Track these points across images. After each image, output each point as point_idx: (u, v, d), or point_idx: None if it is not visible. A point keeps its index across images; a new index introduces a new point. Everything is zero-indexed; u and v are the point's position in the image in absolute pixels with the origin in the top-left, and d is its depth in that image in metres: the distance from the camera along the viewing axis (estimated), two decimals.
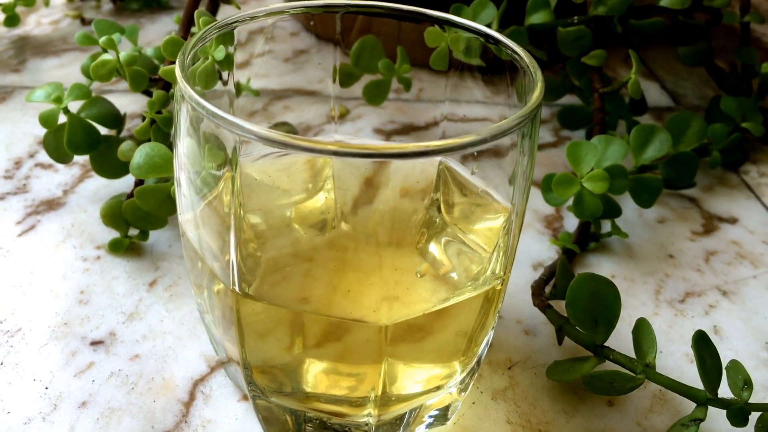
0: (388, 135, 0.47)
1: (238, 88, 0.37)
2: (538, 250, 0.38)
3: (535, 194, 0.41)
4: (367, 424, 0.27)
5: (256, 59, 0.38)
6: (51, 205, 0.39)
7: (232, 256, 0.25)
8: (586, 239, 0.38)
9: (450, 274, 0.30)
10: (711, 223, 0.41)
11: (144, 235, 0.36)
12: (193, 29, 0.39)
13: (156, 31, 0.59)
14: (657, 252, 0.39)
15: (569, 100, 0.49)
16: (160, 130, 0.34)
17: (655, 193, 0.38)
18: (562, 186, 0.34)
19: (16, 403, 0.29)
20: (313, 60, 0.56)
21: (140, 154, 0.32)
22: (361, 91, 0.42)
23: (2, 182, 0.41)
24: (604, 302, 0.29)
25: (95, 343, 0.31)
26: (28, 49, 0.55)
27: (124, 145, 0.35)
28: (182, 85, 0.24)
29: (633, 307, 0.35)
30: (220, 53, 0.29)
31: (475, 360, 0.28)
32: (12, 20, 0.54)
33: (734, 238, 0.40)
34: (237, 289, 0.25)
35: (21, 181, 0.41)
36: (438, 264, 0.30)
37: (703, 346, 0.27)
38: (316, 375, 0.26)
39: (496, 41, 0.28)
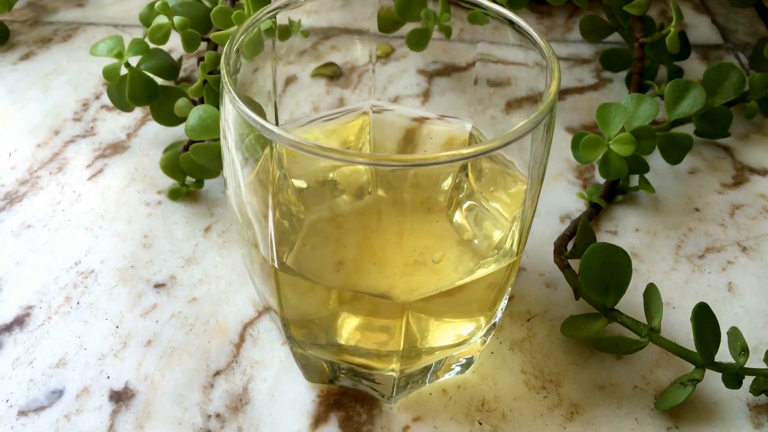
0: (430, 76, 0.48)
1: (288, 30, 0.39)
2: (567, 202, 0.40)
3: (569, 146, 0.42)
4: (392, 370, 0.30)
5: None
6: (116, 148, 0.43)
7: (270, 228, 0.28)
8: (614, 193, 0.40)
9: (473, 241, 0.32)
10: (742, 175, 0.42)
11: (200, 183, 0.39)
12: None
13: None
14: (683, 205, 0.40)
15: (613, 37, 0.50)
16: (212, 89, 0.37)
17: (684, 150, 0.39)
18: (589, 148, 0.36)
19: (91, 340, 0.33)
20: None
21: (194, 117, 0.35)
22: (405, 39, 0.44)
23: (72, 124, 0.44)
24: (615, 270, 0.31)
25: (158, 286, 0.35)
26: None
27: (180, 102, 0.37)
28: (227, 86, 0.26)
29: (653, 262, 0.37)
30: (266, 24, 0.31)
31: (498, 314, 0.31)
32: None
33: (763, 191, 0.41)
34: (275, 261, 0.28)
35: (89, 124, 0.44)
36: (462, 229, 0.33)
37: (702, 318, 0.29)
38: (348, 330, 0.30)
39: (518, 28, 0.29)
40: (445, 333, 0.30)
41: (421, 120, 0.36)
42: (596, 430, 0.30)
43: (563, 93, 0.48)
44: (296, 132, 0.35)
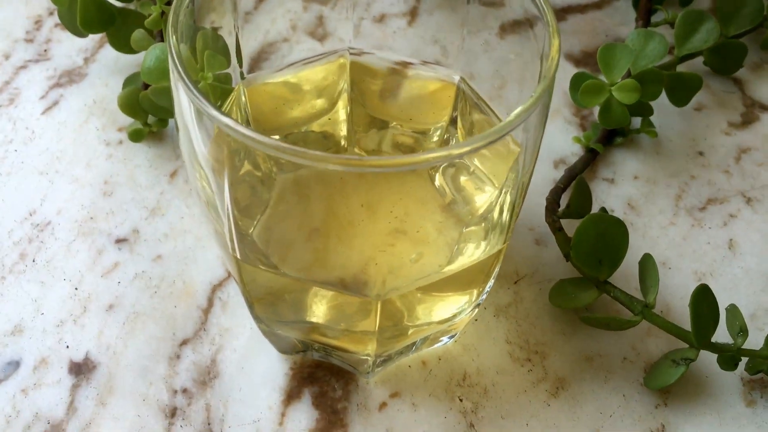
0: None
1: None
2: (562, 144, 0.37)
3: (568, 76, 0.39)
4: (368, 355, 0.28)
5: None
6: (72, 76, 0.39)
7: (228, 209, 0.25)
8: (613, 135, 0.37)
9: (456, 205, 0.30)
10: (751, 113, 0.39)
11: (163, 122, 0.36)
12: None
13: None
14: (687, 148, 0.37)
15: None
16: None
17: (692, 92, 0.36)
18: (589, 94, 0.33)
19: (48, 304, 0.31)
20: None
21: (151, 57, 0.31)
22: None
23: (24, 46, 0.40)
24: (611, 243, 0.29)
25: (120, 241, 0.33)
26: None
27: (137, 35, 0.34)
28: (173, 59, 0.22)
29: (650, 215, 0.35)
30: None
31: (491, 282, 0.29)
32: None
33: None
34: (236, 252, 0.25)
35: (42, 46, 0.40)
36: (445, 192, 0.30)
37: (702, 301, 0.27)
38: (319, 308, 0.28)
39: None
40: (432, 310, 0.28)
41: (403, 65, 0.32)
42: (581, 407, 0.29)
43: (564, 12, 0.44)
44: (269, 79, 0.32)
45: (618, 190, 0.36)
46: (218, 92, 0.31)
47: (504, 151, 0.29)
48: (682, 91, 0.36)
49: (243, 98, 0.30)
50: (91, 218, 0.34)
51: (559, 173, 0.35)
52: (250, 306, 0.28)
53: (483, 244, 0.28)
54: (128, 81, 0.36)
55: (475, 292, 0.28)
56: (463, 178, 0.31)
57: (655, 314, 0.28)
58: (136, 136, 0.35)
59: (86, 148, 0.36)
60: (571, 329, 0.31)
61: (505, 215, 0.27)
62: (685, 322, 0.31)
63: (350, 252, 0.29)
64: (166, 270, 0.32)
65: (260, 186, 0.30)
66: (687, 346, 0.29)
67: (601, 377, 0.30)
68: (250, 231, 0.29)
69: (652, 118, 0.37)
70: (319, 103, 0.32)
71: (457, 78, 0.31)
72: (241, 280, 0.27)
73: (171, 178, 0.35)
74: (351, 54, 0.32)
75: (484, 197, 0.30)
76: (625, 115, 0.33)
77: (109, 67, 0.39)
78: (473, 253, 0.28)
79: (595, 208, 0.34)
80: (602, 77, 0.33)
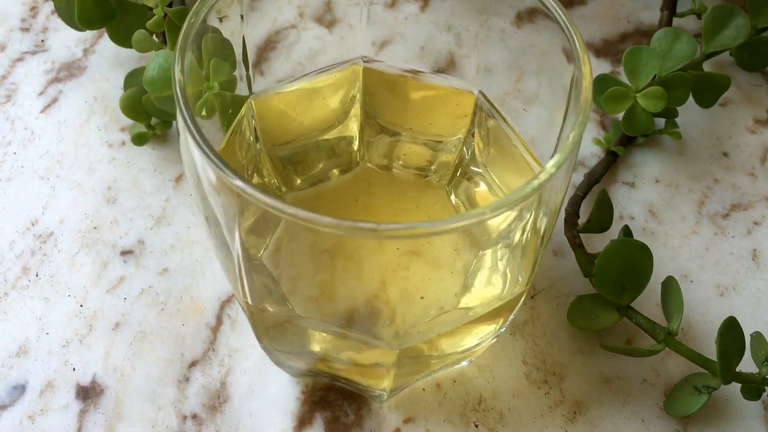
0: None
1: None
2: (582, 143, 0.36)
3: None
4: (383, 390, 0.27)
5: None
6: (72, 69, 0.37)
7: (239, 256, 0.24)
8: (635, 136, 0.35)
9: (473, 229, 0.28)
10: None
11: (167, 123, 0.34)
12: None
13: None
14: (711, 148, 0.36)
15: None
16: (175, 24, 0.31)
17: (720, 93, 0.34)
18: (613, 101, 0.31)
19: (53, 322, 0.30)
20: None
21: (153, 66, 0.30)
22: None
23: (20, 36, 0.38)
24: (635, 268, 0.28)
25: (125, 253, 0.32)
26: None
27: (138, 36, 0.32)
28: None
29: (672, 223, 0.34)
30: None
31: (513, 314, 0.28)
32: None
33: None
34: (248, 297, 0.24)
35: (39, 36, 0.38)
36: (461, 210, 0.29)
37: (728, 335, 0.26)
38: (329, 341, 0.27)
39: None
40: (457, 342, 0.27)
41: (414, 73, 0.30)
42: None
43: None
44: (279, 89, 0.30)
45: (639, 194, 0.34)
46: (226, 101, 0.29)
47: (526, 169, 0.28)
48: (709, 92, 0.34)
49: (251, 112, 0.29)
50: (95, 228, 0.33)
51: (577, 176, 0.34)
52: (258, 339, 0.27)
53: (500, 271, 0.27)
54: (130, 79, 0.35)
55: (502, 320, 0.27)
56: (479, 194, 0.30)
57: (678, 342, 0.28)
58: (139, 140, 0.34)
59: (88, 150, 0.35)
60: (590, 348, 0.30)
61: (527, 237, 0.26)
62: (706, 342, 0.31)
63: (361, 274, 0.28)
64: (172, 284, 0.31)
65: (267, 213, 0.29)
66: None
67: (620, 401, 0.29)
68: (260, 254, 0.28)
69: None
70: (331, 112, 0.31)
71: (475, 91, 0.29)
72: (249, 314, 0.26)
73: (176, 183, 0.34)
74: (364, 62, 0.30)
75: (499, 218, 0.29)
76: (649, 123, 0.31)
77: (110, 60, 0.38)
78: (489, 279, 0.27)
79: (615, 217, 0.33)
80: (624, 78, 0.32)
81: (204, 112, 0.28)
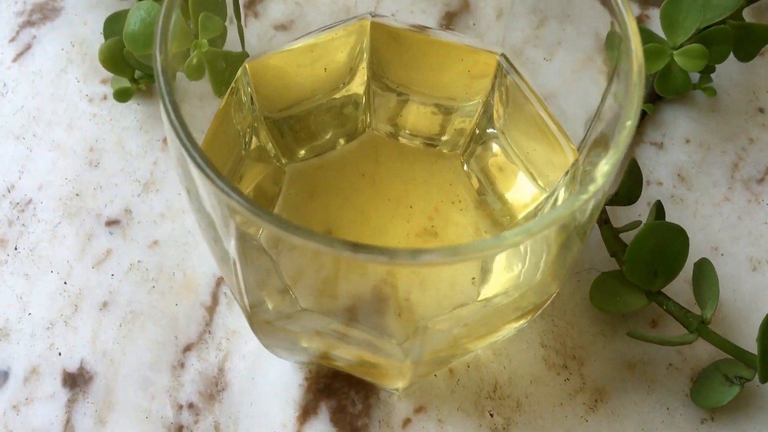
0: None
1: None
2: (597, 98, 0.33)
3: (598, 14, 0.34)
4: (396, 389, 0.26)
5: None
6: (45, 11, 0.34)
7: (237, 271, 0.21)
8: None
9: (490, 203, 0.26)
10: None
11: (153, 77, 0.31)
12: None
13: None
14: (746, 103, 0.33)
15: None
16: None
17: (760, 45, 0.31)
18: (648, 59, 0.28)
19: (36, 301, 0.28)
20: None
21: (134, 19, 0.26)
22: None
23: None
24: (668, 252, 0.25)
25: (111, 224, 0.29)
26: None
27: None
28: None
29: (703, 189, 0.31)
30: None
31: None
32: None
33: None
34: (246, 304, 0.22)
35: None
36: (479, 185, 0.26)
37: None
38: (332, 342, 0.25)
39: None
40: (480, 341, 0.25)
41: (425, 29, 0.27)
42: (621, 422, 0.27)
43: None
44: (280, 49, 0.27)
45: (667, 156, 0.32)
46: (217, 58, 0.26)
47: (558, 160, 0.25)
48: (749, 44, 0.31)
49: (246, 77, 0.26)
50: (77, 195, 0.30)
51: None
52: (256, 336, 0.24)
53: (522, 261, 0.24)
54: (109, 25, 0.31)
55: (530, 316, 0.25)
56: (494, 162, 0.27)
57: (712, 332, 0.26)
58: (122, 96, 0.31)
59: (66, 104, 0.32)
60: (612, 329, 0.28)
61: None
62: (737, 321, 0.29)
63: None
64: (164, 259, 0.29)
65: (269, 183, 0.26)
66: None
67: (644, 387, 0.27)
68: (258, 234, 0.26)
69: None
70: (335, 70, 0.27)
71: (498, 51, 0.26)
72: (245, 312, 0.23)
73: (164, 144, 0.31)
74: (372, 17, 0.27)
75: (524, 196, 0.26)
76: (686, 83, 0.29)
77: (88, 0, 0.34)
78: (512, 267, 0.25)
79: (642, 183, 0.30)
80: (653, 24, 0.28)
81: (191, 72, 0.25)
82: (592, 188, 0.18)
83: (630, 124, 0.18)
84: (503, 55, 0.26)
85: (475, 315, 0.22)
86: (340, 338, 0.22)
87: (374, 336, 0.21)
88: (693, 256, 0.29)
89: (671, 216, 0.30)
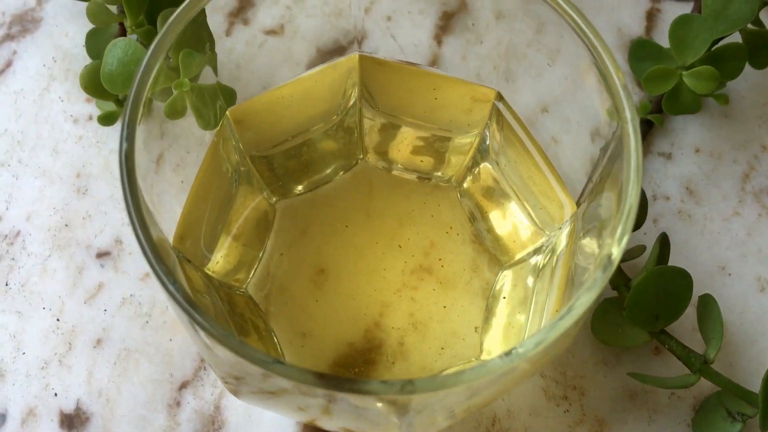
0: None
1: None
2: (603, 107, 0.31)
3: (609, 6, 0.32)
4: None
5: None
6: (25, 23, 0.32)
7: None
8: None
9: (487, 240, 0.25)
10: None
11: None
12: None
13: None
14: (758, 108, 0.32)
15: None
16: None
17: None
18: (655, 81, 0.27)
19: (29, 340, 0.28)
20: None
21: (112, 60, 0.25)
22: None
23: None
24: (671, 297, 0.24)
25: (101, 255, 0.29)
26: None
27: (92, 6, 0.27)
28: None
29: (712, 203, 0.30)
30: None
31: None
32: None
33: None
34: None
35: None
36: (475, 218, 0.25)
37: None
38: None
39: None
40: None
41: (415, 66, 0.26)
42: None
43: None
44: (267, 89, 0.26)
45: (676, 168, 0.30)
46: (202, 96, 0.25)
47: (554, 208, 0.24)
48: (763, 52, 0.29)
49: (229, 125, 0.25)
50: (66, 225, 0.29)
51: (598, 147, 0.30)
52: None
53: (526, 303, 0.24)
54: (91, 40, 0.30)
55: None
56: (493, 200, 0.26)
57: (715, 372, 0.25)
58: (107, 120, 0.30)
59: (51, 126, 0.31)
60: (614, 358, 0.28)
61: (548, 262, 0.23)
62: (741, 347, 0.28)
63: (361, 297, 0.25)
64: (156, 292, 0.28)
65: (260, 220, 0.26)
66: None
67: (645, 418, 0.27)
68: (245, 286, 0.25)
69: None
70: (324, 106, 0.26)
71: (492, 95, 0.25)
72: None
73: (156, 165, 0.30)
74: (360, 55, 0.25)
75: (521, 233, 0.25)
76: (696, 104, 0.27)
77: (68, 8, 0.33)
78: (514, 310, 0.24)
79: (648, 197, 0.29)
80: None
81: (171, 113, 0.24)
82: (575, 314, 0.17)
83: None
84: (498, 93, 0.25)
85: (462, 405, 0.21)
86: (325, 412, 0.21)
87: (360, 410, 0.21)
88: (700, 276, 0.28)
89: (678, 234, 0.29)
